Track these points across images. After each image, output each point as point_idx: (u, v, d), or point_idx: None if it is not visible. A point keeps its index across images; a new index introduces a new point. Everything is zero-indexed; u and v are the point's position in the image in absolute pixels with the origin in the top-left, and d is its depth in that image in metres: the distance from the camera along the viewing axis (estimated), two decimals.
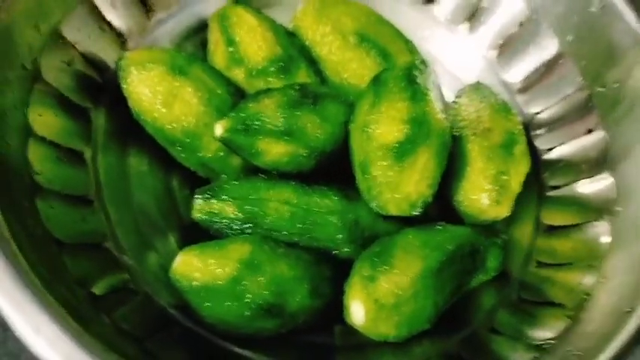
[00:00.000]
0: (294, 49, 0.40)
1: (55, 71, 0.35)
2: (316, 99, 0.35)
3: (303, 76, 0.40)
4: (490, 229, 0.39)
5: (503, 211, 0.37)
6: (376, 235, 0.37)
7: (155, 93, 0.35)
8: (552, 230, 0.40)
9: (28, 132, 0.32)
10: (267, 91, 0.35)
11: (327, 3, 0.42)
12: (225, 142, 0.34)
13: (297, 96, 0.35)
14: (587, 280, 0.36)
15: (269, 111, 0.34)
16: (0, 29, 0.31)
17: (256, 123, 0.34)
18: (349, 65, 0.41)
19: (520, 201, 0.38)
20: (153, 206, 0.39)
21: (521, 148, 0.38)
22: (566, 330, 0.33)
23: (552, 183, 0.42)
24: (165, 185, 0.40)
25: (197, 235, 0.36)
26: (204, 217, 0.36)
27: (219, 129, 0.34)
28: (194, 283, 0.31)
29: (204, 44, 0.42)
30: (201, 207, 0.35)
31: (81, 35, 0.37)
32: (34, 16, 0.33)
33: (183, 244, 0.39)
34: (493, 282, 0.38)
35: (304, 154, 0.35)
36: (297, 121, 0.34)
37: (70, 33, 0.36)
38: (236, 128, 0.34)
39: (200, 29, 0.43)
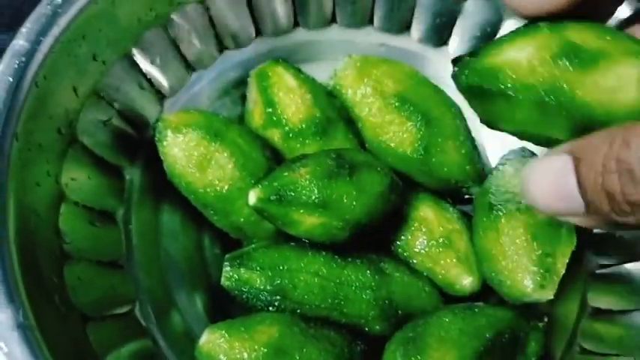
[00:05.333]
0: (332, 110, 0.39)
1: (90, 131, 0.34)
2: (353, 169, 0.34)
3: (341, 138, 0.39)
4: (532, 309, 0.36)
5: (548, 295, 0.35)
6: (410, 313, 0.35)
7: (190, 157, 0.35)
8: (598, 314, 0.37)
9: (60, 199, 0.32)
10: (303, 159, 0.34)
11: (369, 62, 0.41)
12: (258, 211, 0.33)
13: (333, 166, 0.34)
14: None
15: (304, 181, 0.33)
16: (38, 96, 0.30)
17: (290, 193, 0.33)
18: (389, 128, 0.39)
19: (566, 279, 0.35)
20: (183, 265, 0.39)
21: (569, 226, 0.36)
22: None
23: (602, 261, 0.39)
24: (196, 244, 0.40)
25: (224, 298, 0.35)
26: (232, 284, 0.35)
27: (252, 197, 0.33)
28: None
29: (243, 98, 0.42)
30: (230, 275, 0.35)
31: (119, 94, 0.36)
32: (72, 79, 0.33)
33: (209, 307, 0.38)
34: None
35: (339, 227, 0.34)
36: (332, 193, 0.33)
37: (108, 92, 0.36)
38: (269, 198, 0.33)
39: (240, 84, 0.42)
